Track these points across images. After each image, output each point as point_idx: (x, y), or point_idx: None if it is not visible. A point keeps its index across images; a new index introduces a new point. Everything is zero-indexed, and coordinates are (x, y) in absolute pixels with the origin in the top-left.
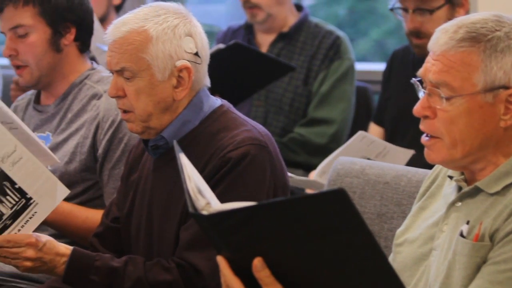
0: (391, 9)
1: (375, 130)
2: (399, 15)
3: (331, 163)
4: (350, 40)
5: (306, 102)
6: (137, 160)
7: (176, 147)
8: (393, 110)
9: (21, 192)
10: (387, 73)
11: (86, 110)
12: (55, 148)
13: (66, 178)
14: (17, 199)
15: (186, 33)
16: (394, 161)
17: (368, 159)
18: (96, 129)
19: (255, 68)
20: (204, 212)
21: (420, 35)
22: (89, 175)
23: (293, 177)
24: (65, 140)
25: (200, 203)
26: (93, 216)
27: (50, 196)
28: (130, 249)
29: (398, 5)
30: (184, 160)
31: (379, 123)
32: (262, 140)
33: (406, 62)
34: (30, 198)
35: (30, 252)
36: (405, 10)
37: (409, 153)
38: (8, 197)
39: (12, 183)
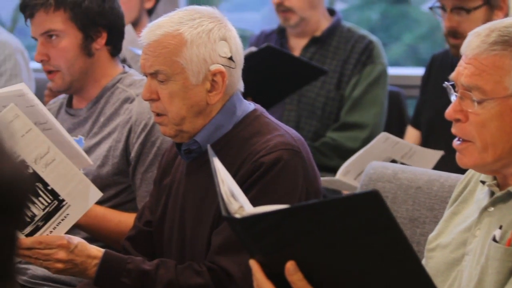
0: (431, 8)
1: (412, 133)
2: (438, 15)
3: (355, 163)
4: (383, 45)
5: (338, 106)
6: (170, 164)
7: (210, 151)
8: (429, 113)
9: (54, 194)
10: (425, 77)
11: (119, 113)
12: (87, 151)
13: (99, 182)
14: (49, 201)
15: (220, 37)
16: (421, 162)
17: (394, 160)
18: (128, 133)
19: (287, 71)
20: (237, 215)
21: (457, 35)
22: (121, 178)
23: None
24: (98, 144)
25: (233, 206)
26: (126, 219)
27: (82, 198)
28: (162, 252)
29: (437, 4)
30: (217, 164)
31: (416, 126)
32: (295, 145)
33: (444, 65)
34: (63, 200)
35: (62, 254)
36: (443, 9)
37: (438, 154)
38: (40, 198)
39: (45, 184)
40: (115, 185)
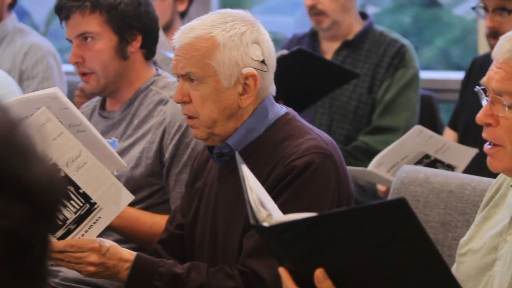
0: (473, 8)
1: (449, 135)
2: (481, 16)
3: (388, 155)
4: (414, 49)
5: (370, 110)
6: (202, 167)
7: (238, 158)
8: (467, 115)
9: (85, 197)
10: (465, 80)
11: (153, 115)
12: (121, 153)
13: (132, 183)
14: (81, 204)
15: (253, 41)
16: (455, 158)
17: (427, 155)
18: (162, 134)
19: (318, 74)
20: (265, 224)
21: (498, 36)
22: (155, 180)
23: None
24: (131, 146)
25: (261, 214)
26: (159, 221)
27: (114, 201)
28: (194, 256)
29: (480, 4)
30: (246, 172)
31: (453, 128)
32: (327, 149)
33: (484, 69)
34: (94, 203)
35: (94, 257)
36: (486, 9)
37: (472, 151)
38: (72, 201)
39: (77, 187)
40: (148, 187)
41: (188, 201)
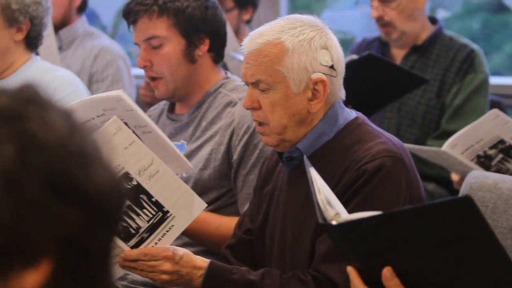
0: None
1: None
2: None
3: (463, 137)
4: (484, 54)
5: (439, 114)
6: (271, 172)
7: (306, 162)
8: None
9: (158, 206)
10: None
11: (221, 117)
12: (189, 155)
13: (201, 185)
14: (154, 213)
15: (322, 46)
16: None
17: (502, 140)
18: (231, 136)
19: (388, 80)
20: (334, 222)
21: None
22: (223, 181)
23: (421, 148)
24: (200, 147)
25: (329, 213)
26: (226, 223)
27: (187, 209)
28: (263, 261)
29: None
30: (314, 174)
31: None
32: (398, 152)
33: None
34: (167, 212)
35: (167, 266)
36: None
37: None
38: (145, 210)
39: (149, 196)
40: (216, 188)
41: (256, 206)
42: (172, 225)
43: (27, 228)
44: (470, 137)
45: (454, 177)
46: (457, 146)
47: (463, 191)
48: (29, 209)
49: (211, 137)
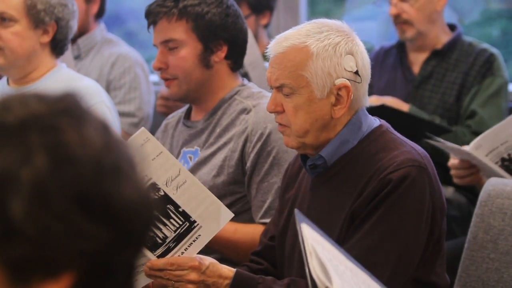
0: None
1: None
2: None
3: (487, 138)
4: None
5: (457, 118)
6: (294, 178)
7: (299, 216)
8: None
9: (185, 216)
10: None
11: (235, 124)
12: (203, 162)
13: (214, 191)
14: (180, 222)
15: (347, 51)
16: None
17: None
18: (244, 143)
19: (406, 126)
20: None
21: None
22: (236, 188)
23: (445, 143)
24: (213, 154)
25: (320, 285)
26: (242, 228)
27: (214, 219)
28: (283, 266)
29: None
30: (305, 232)
31: None
32: (422, 162)
33: None
34: (194, 221)
35: (193, 275)
36: None
37: None
38: (172, 220)
39: (176, 206)
40: (230, 195)
41: (279, 211)
42: (199, 235)
43: (52, 241)
44: (495, 139)
45: (453, 160)
46: (481, 148)
47: (481, 198)
48: (55, 223)
49: (225, 144)
